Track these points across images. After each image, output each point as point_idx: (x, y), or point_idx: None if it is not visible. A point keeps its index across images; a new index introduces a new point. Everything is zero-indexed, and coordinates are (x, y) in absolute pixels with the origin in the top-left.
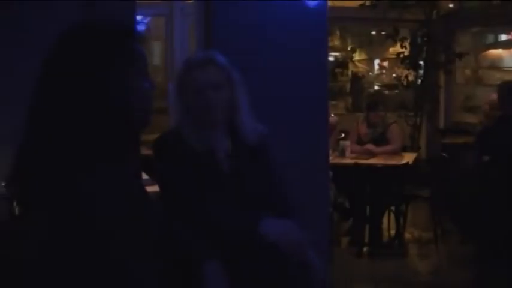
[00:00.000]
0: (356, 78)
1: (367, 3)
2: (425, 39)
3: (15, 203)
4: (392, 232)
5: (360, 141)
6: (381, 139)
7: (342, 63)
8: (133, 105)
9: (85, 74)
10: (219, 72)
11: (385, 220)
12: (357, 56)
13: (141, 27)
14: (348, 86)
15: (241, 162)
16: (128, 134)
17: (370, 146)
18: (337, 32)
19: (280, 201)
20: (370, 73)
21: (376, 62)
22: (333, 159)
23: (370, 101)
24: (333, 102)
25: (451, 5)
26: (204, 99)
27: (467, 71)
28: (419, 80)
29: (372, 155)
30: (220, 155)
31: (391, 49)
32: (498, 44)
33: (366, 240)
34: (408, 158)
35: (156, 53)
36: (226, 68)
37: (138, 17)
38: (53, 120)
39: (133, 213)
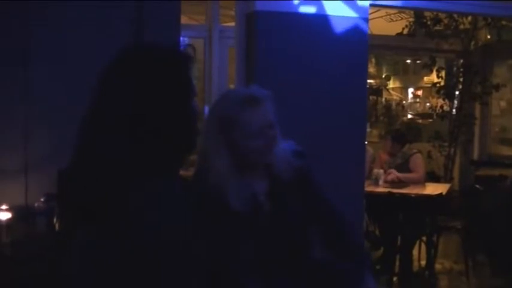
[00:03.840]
0: (390, 106)
1: (405, 32)
2: (462, 69)
3: (55, 218)
4: (423, 262)
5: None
6: (401, 168)
7: (376, 91)
8: (183, 127)
9: (139, 95)
10: (270, 107)
11: (415, 250)
12: (391, 84)
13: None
14: (382, 113)
15: (280, 200)
16: (175, 155)
17: (393, 171)
18: (373, 60)
19: (333, 235)
20: (404, 101)
21: (410, 90)
22: (367, 187)
23: (390, 131)
24: (367, 130)
25: (488, 36)
26: (264, 139)
27: (503, 103)
28: (454, 110)
29: (403, 184)
30: (260, 196)
31: (425, 78)
32: None
33: (397, 269)
34: (441, 188)
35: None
36: (272, 100)
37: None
38: (103, 138)
39: (179, 229)
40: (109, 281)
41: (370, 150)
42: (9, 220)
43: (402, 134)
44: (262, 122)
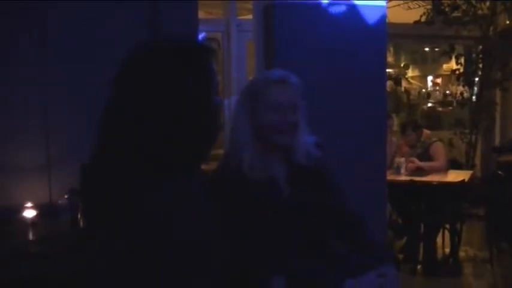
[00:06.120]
0: (409, 94)
1: (423, 19)
2: (481, 56)
3: (79, 215)
4: (447, 250)
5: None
6: (422, 158)
7: (395, 80)
8: (206, 121)
9: (160, 89)
10: (296, 93)
11: (439, 238)
12: (410, 73)
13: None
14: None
15: (299, 186)
16: (198, 149)
17: (414, 160)
18: (391, 49)
19: (348, 228)
20: (424, 90)
21: (430, 78)
22: (388, 176)
23: (405, 122)
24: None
25: (507, 21)
26: (282, 115)
27: None
28: (474, 97)
29: (424, 172)
30: (280, 180)
31: (444, 66)
32: None
33: (420, 257)
34: (464, 175)
35: None
36: (300, 89)
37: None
38: (124, 134)
39: (198, 225)
40: (109, 282)
41: (394, 140)
42: (34, 218)
43: (415, 122)
44: (284, 99)
